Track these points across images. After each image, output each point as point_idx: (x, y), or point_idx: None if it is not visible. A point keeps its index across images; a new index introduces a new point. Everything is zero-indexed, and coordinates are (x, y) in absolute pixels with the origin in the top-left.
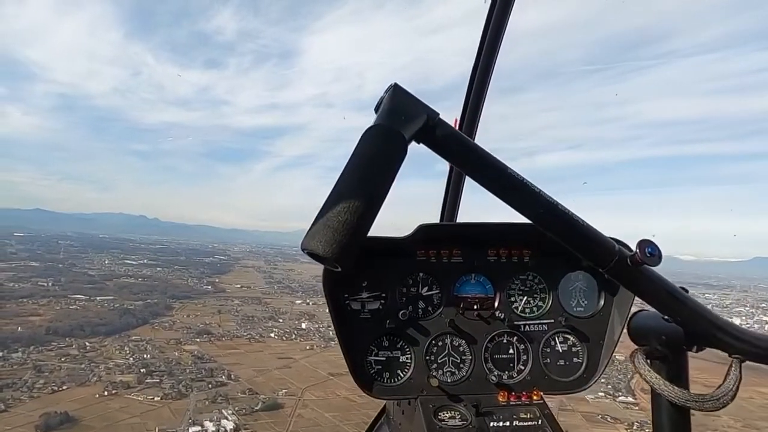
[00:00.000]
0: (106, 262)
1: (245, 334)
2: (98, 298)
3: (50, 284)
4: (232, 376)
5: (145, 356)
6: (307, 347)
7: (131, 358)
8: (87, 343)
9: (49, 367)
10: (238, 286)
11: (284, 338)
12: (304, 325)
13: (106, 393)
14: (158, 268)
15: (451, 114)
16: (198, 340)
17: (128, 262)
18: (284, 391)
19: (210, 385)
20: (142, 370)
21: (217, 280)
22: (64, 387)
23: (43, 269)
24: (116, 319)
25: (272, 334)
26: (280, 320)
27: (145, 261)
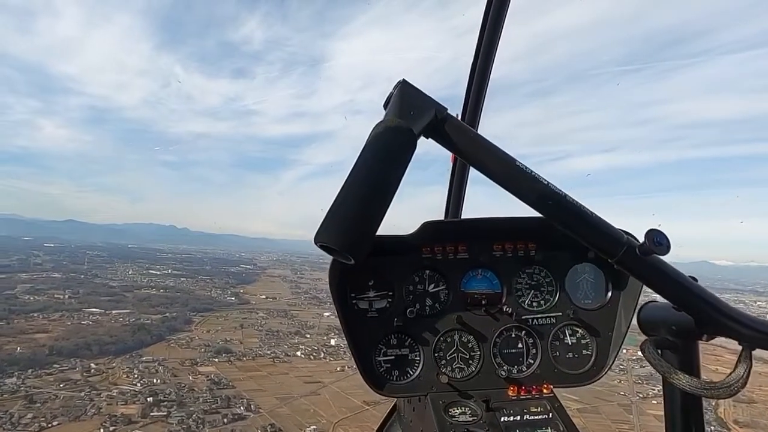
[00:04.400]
0: (130, 273)
1: (269, 352)
2: (114, 311)
3: (67, 296)
4: (252, 406)
5: (154, 381)
6: (338, 368)
7: (139, 384)
8: (92, 365)
9: (44, 396)
10: (263, 296)
11: (312, 357)
12: (333, 342)
13: (101, 431)
14: (182, 279)
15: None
16: (216, 360)
17: (152, 272)
18: (313, 428)
19: (225, 419)
20: (148, 399)
21: (241, 291)
22: (55, 423)
23: (63, 280)
24: (128, 337)
25: (299, 353)
26: (308, 336)
27: (170, 271)
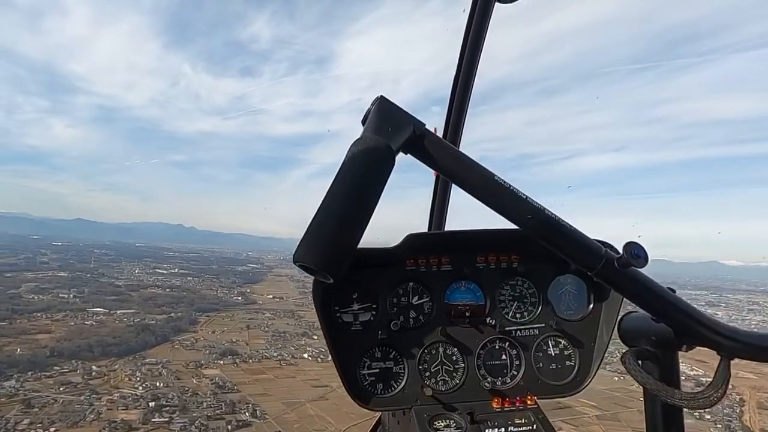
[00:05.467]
0: (136, 272)
1: (275, 354)
2: (118, 311)
3: (71, 296)
4: (258, 412)
5: (157, 384)
6: None
7: (141, 387)
8: (94, 367)
9: (42, 400)
10: (270, 296)
11: (319, 359)
12: None
13: None
14: (189, 278)
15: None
16: (221, 362)
17: (159, 271)
18: None
19: (230, 426)
20: (150, 404)
21: (248, 291)
22: (52, 430)
23: (69, 279)
24: (132, 338)
25: (306, 355)
26: (315, 337)
27: (177, 270)
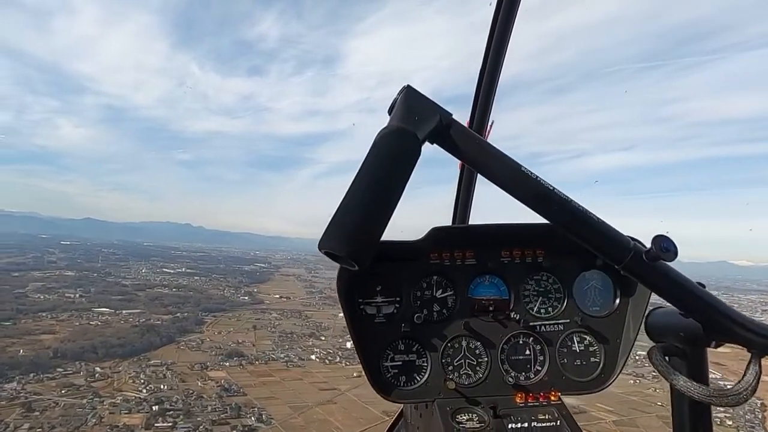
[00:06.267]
0: (143, 271)
1: (282, 355)
2: (124, 311)
3: (77, 296)
4: (264, 416)
5: (161, 387)
6: (354, 374)
7: (144, 390)
8: (98, 369)
9: (44, 403)
10: (277, 296)
11: (327, 361)
12: (349, 344)
13: None
14: (196, 277)
15: (467, 116)
16: (227, 364)
17: (166, 270)
18: None
19: (235, 431)
20: (154, 408)
21: (255, 290)
22: None
23: (76, 278)
24: (137, 338)
25: (313, 356)
26: (322, 338)
27: (184, 269)
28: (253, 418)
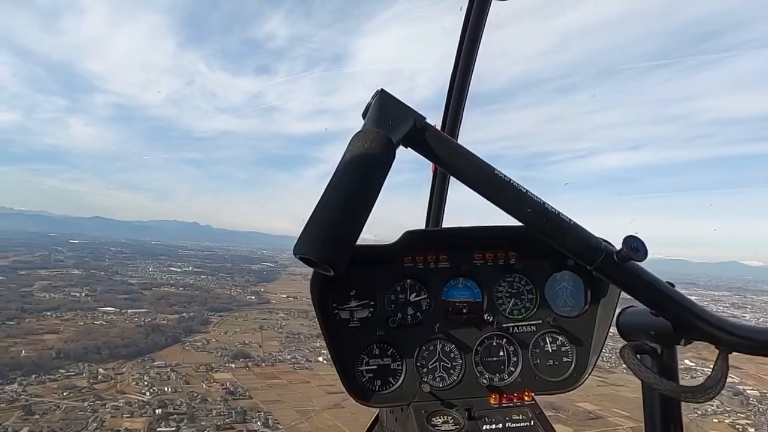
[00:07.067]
0: (150, 270)
1: (289, 357)
2: (130, 311)
3: (83, 294)
4: (270, 421)
5: (165, 389)
6: None
7: (148, 393)
8: (101, 370)
9: (44, 406)
10: (284, 295)
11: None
12: None
13: None
14: (202, 276)
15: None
16: (233, 365)
17: (173, 269)
18: None
19: None
20: (156, 411)
21: (261, 290)
22: None
23: (82, 277)
24: (142, 339)
25: (320, 358)
26: None
27: (191, 268)
28: (259, 423)
